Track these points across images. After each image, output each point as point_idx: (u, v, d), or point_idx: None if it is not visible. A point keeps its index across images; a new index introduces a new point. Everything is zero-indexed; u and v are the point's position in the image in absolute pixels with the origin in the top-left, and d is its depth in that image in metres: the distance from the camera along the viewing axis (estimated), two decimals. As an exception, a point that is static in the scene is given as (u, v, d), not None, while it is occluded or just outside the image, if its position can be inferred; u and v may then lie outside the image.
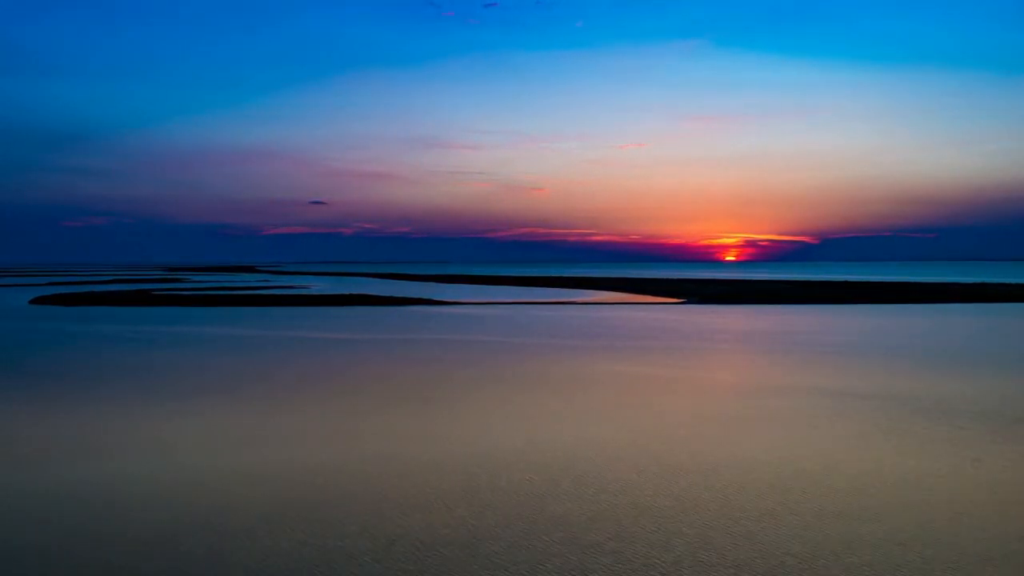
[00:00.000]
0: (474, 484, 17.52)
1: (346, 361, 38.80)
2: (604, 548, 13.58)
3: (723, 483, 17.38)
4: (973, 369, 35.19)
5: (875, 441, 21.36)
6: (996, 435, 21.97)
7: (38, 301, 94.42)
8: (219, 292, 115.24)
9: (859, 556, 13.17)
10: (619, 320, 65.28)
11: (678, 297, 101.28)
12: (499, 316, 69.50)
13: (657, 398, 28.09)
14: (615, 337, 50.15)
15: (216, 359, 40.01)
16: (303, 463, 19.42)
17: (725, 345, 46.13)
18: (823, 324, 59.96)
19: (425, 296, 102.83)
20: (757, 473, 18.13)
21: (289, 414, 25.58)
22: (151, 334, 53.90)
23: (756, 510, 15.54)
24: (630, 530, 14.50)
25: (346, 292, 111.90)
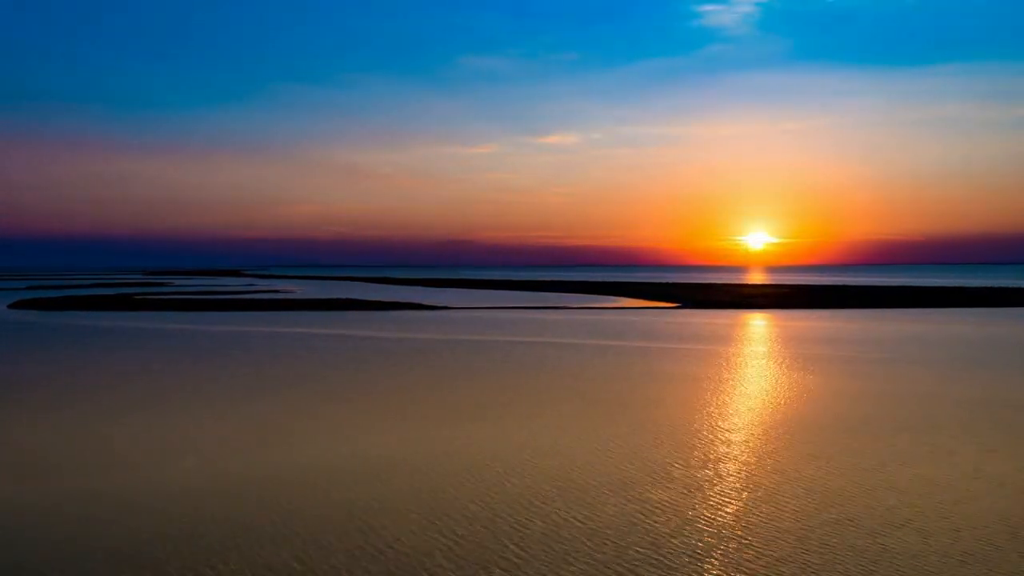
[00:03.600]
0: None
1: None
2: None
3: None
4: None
5: None
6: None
7: (17, 305, 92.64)
8: (203, 297, 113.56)
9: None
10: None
11: (671, 301, 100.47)
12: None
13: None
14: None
15: (193, 366, 38.65)
16: (287, 469, 18.25)
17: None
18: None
19: (415, 300, 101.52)
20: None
21: (272, 422, 24.28)
22: (130, 340, 52.56)
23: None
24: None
25: (334, 297, 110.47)
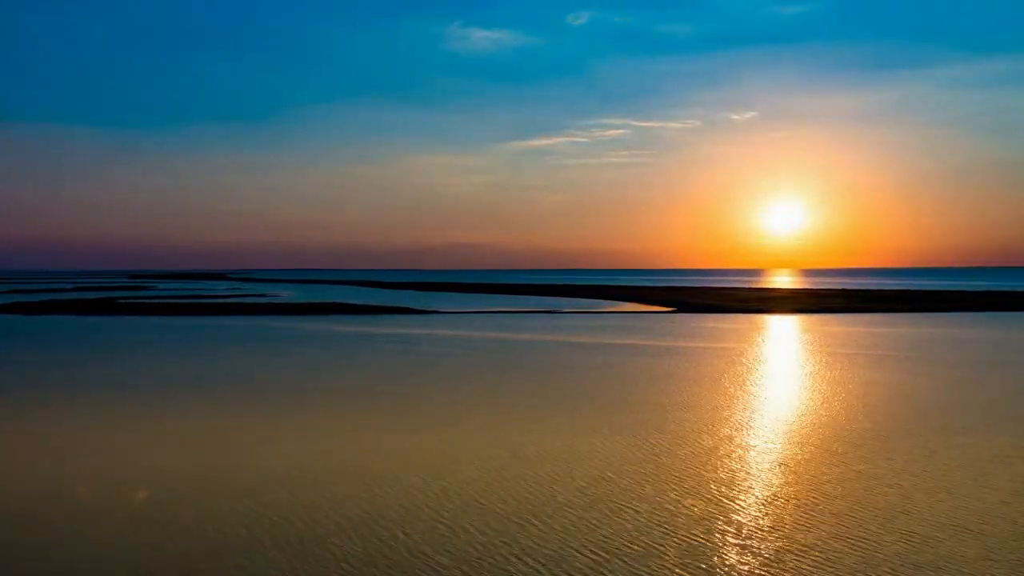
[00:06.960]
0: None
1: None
2: None
3: None
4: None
5: None
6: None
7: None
8: (188, 301, 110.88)
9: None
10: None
11: (668, 306, 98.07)
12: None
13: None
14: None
15: (171, 375, 36.63)
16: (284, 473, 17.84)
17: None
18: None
19: (404, 305, 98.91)
20: None
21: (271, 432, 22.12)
22: (122, 342, 50.42)
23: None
24: None
25: (320, 301, 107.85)
